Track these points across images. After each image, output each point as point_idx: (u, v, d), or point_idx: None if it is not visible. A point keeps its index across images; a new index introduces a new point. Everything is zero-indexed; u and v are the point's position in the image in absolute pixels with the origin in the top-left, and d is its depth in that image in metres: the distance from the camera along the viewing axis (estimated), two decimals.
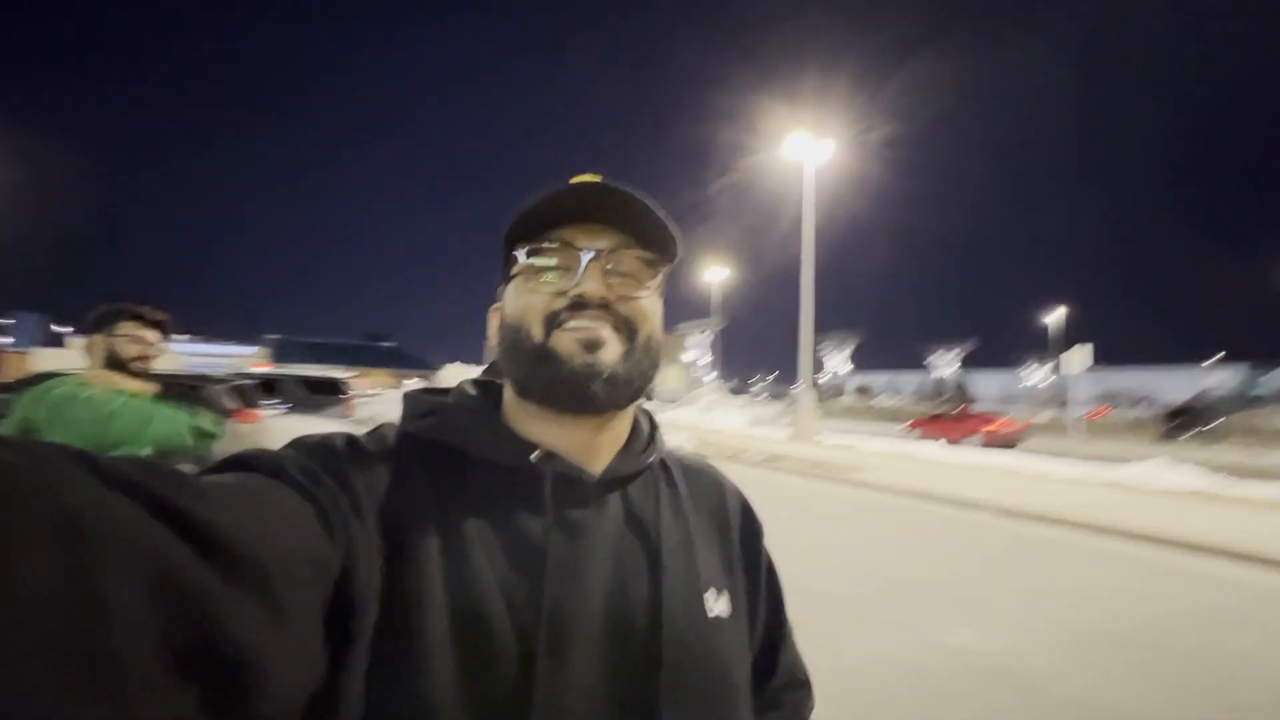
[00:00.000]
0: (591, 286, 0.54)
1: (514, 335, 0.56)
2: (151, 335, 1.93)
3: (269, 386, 11.22)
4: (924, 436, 20.79)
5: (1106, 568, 5.68)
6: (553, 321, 0.54)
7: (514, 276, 0.58)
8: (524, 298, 0.56)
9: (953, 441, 18.80)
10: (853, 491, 9.84)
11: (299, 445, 0.49)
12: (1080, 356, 12.95)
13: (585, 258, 0.54)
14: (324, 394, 12.32)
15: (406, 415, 0.58)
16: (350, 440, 0.52)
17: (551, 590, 0.49)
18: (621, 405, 0.57)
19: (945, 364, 79.40)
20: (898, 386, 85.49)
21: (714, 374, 53.60)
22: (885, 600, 4.52)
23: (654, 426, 0.64)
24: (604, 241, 0.56)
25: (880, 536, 6.80)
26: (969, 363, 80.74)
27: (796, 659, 0.72)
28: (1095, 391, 67.68)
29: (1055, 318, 60.93)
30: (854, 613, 4.24)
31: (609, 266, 0.55)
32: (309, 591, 0.37)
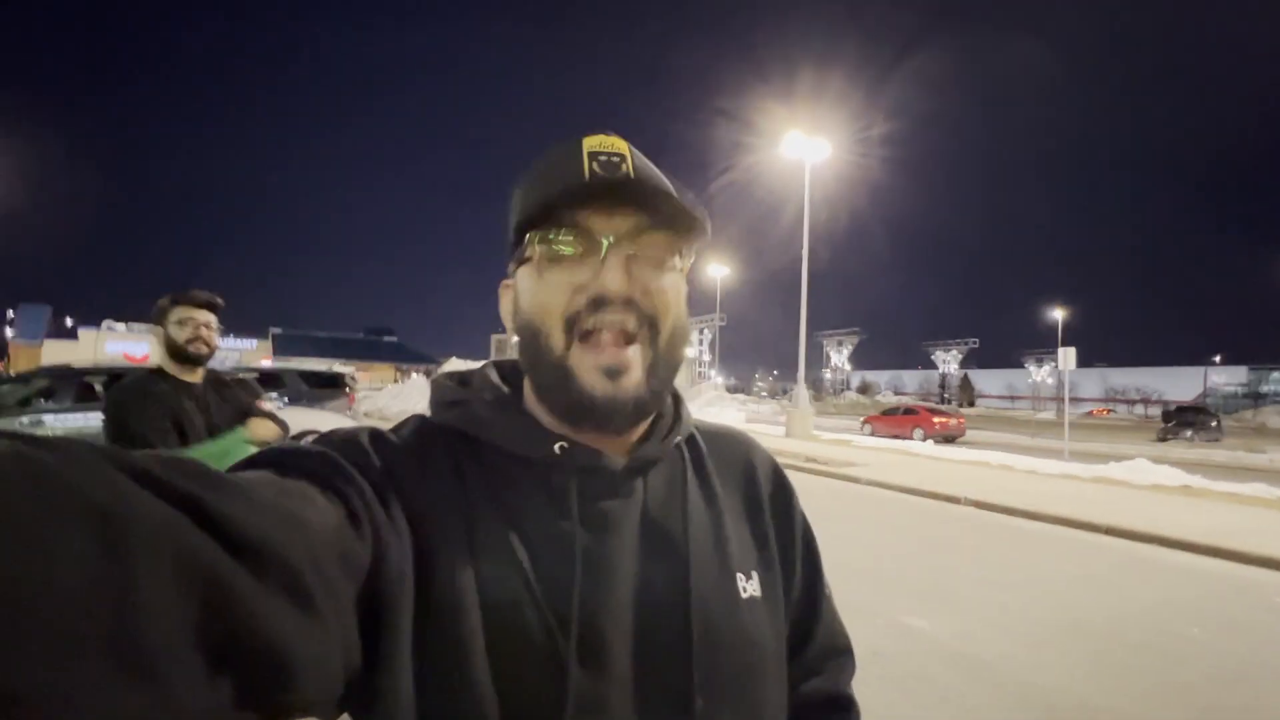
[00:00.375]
0: (614, 283, 0.50)
1: (532, 336, 0.53)
2: (202, 316, 2.01)
3: (272, 380, 11.47)
4: (875, 432, 22.58)
5: (1077, 559, 5.87)
6: (573, 323, 0.51)
7: (527, 258, 0.54)
8: (540, 294, 0.53)
9: (900, 436, 20.60)
10: (839, 485, 10.06)
11: (326, 441, 0.49)
12: (1066, 358, 13.16)
13: (605, 246, 0.51)
14: (326, 388, 12.57)
15: (433, 405, 0.58)
16: (376, 435, 0.52)
17: (581, 586, 0.49)
18: (646, 418, 0.56)
19: (948, 362, 79.39)
20: (901, 384, 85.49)
21: (714, 371, 53.75)
22: (853, 586, 4.71)
23: (678, 402, 0.62)
24: (624, 224, 0.52)
25: (859, 527, 6.99)
26: (972, 361, 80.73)
27: (835, 625, 0.70)
28: (1099, 390, 67.62)
29: (1057, 317, 60.88)
30: None
31: (631, 253, 0.52)
32: (338, 584, 0.38)
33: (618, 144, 0.54)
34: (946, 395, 73.79)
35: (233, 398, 2.14)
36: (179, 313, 1.99)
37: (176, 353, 1.99)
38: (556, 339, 0.52)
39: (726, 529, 0.58)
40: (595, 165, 0.52)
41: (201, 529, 0.30)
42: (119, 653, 0.26)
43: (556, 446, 0.53)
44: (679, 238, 0.54)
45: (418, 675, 0.44)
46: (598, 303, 0.51)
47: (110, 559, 0.26)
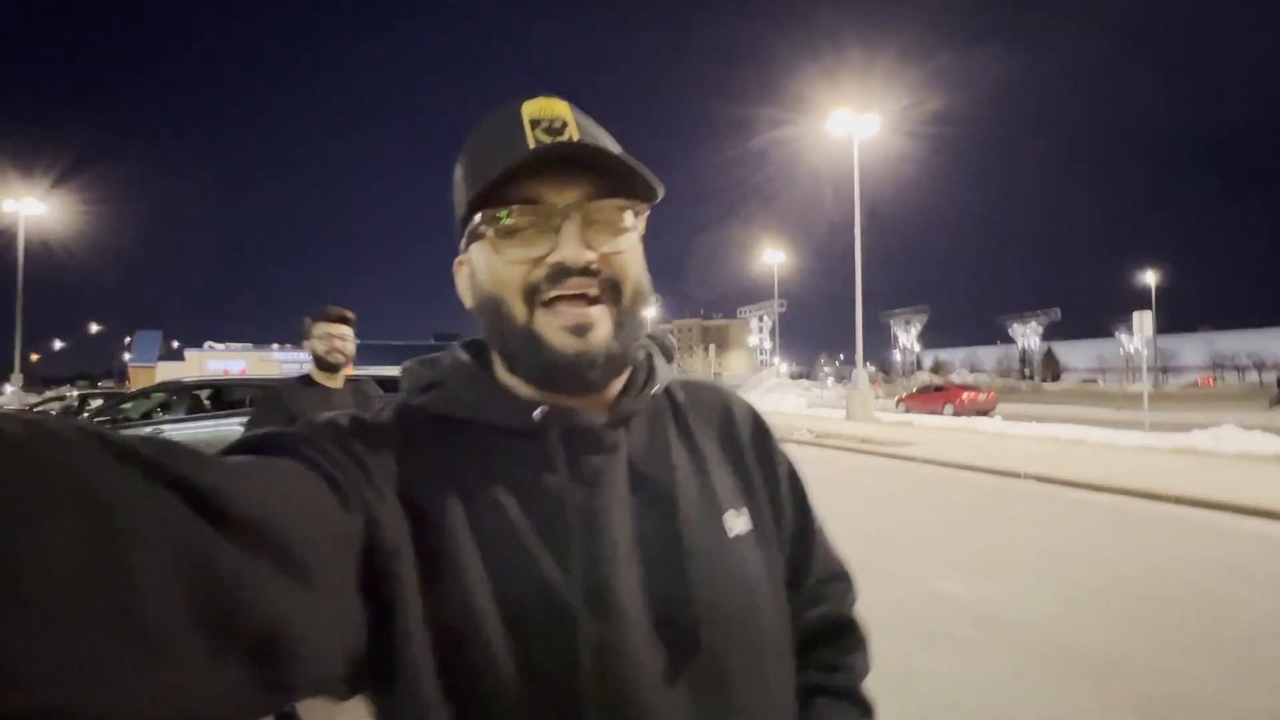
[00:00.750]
0: (572, 252, 0.50)
1: (494, 309, 0.53)
2: (336, 329, 2.36)
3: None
4: (909, 409, 24.01)
5: (1136, 529, 5.72)
6: (533, 294, 0.52)
7: (479, 235, 0.53)
8: (497, 269, 0.52)
9: (931, 412, 21.90)
10: (895, 464, 9.95)
11: (307, 425, 0.50)
12: (1140, 324, 12.29)
13: (559, 216, 0.51)
14: (398, 390, 13.54)
15: (406, 390, 0.58)
16: (357, 418, 0.52)
17: (578, 537, 0.50)
18: (620, 374, 0.56)
19: (1028, 335, 75.01)
20: (978, 361, 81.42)
21: (776, 358, 53.06)
22: (891, 556, 4.85)
23: (652, 356, 0.62)
24: (576, 192, 0.51)
25: (909, 504, 7.01)
26: (1055, 333, 75.94)
27: (830, 554, 0.71)
28: (1204, 357, 61.87)
29: (1146, 280, 56.21)
30: (857, 567, 4.54)
31: (586, 220, 0.52)
32: (333, 559, 0.38)
33: (558, 107, 0.53)
34: (1028, 371, 69.71)
35: (368, 400, 2.58)
36: (318, 329, 2.41)
37: (319, 362, 2.43)
38: (518, 309, 0.52)
39: (710, 472, 0.60)
40: (539, 133, 0.51)
41: (190, 506, 0.30)
42: (117, 628, 0.26)
43: (536, 413, 0.53)
44: (631, 199, 0.54)
45: (432, 642, 0.45)
46: (557, 274, 0.51)
47: (98, 535, 0.26)
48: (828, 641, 0.69)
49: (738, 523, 0.58)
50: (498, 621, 0.46)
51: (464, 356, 0.59)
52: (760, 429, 0.67)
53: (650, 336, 0.64)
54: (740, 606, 0.55)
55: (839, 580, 0.72)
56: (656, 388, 0.61)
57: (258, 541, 0.33)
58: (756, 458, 0.65)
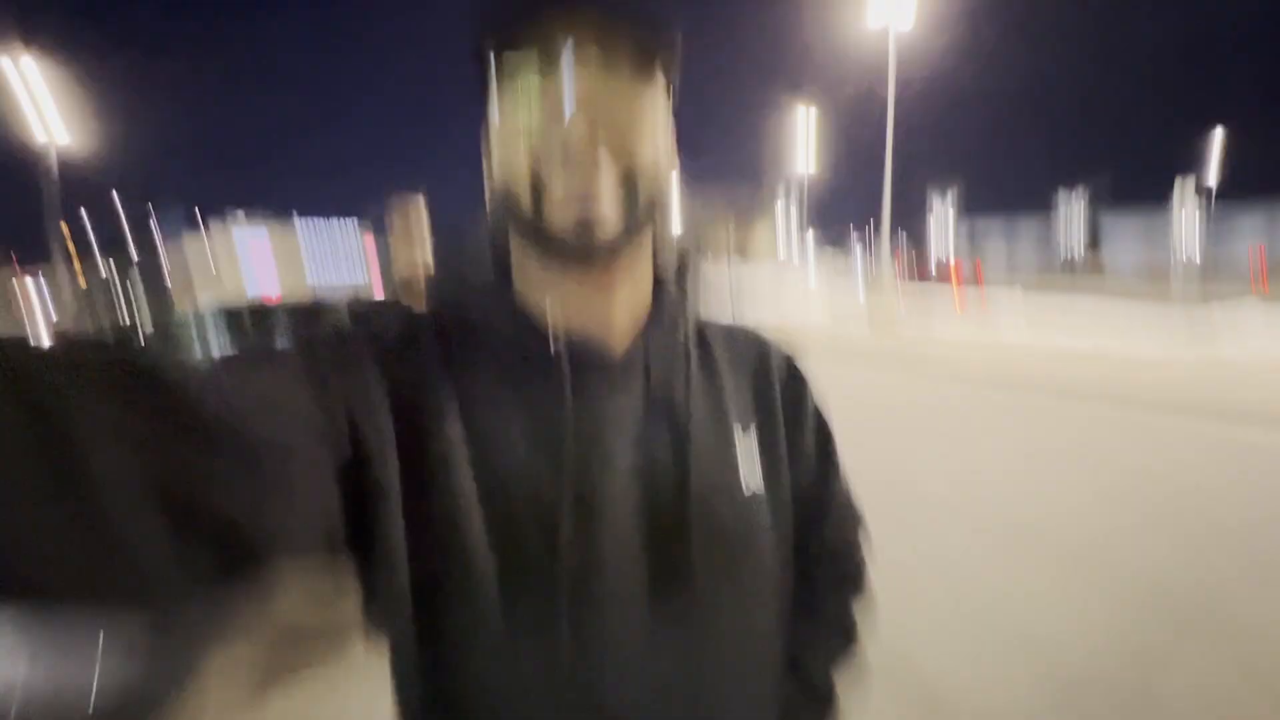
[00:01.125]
0: (577, 132, 0.47)
1: (503, 196, 0.51)
2: None
3: None
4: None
5: (1179, 446, 5.10)
6: (538, 181, 0.49)
7: (496, 87, 0.50)
8: (504, 148, 0.50)
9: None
10: (909, 380, 9.71)
11: (317, 334, 0.50)
12: (1183, 194, 10.59)
13: (567, 82, 0.47)
14: None
15: (427, 295, 0.58)
16: (366, 323, 0.53)
17: (574, 463, 0.49)
18: (630, 245, 0.52)
19: (1072, 204, 70.03)
20: (1016, 233, 77.01)
21: (806, 231, 50.82)
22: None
23: (684, 291, 0.60)
24: (588, 42, 0.47)
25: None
26: (1103, 199, 70.45)
27: (852, 511, 0.71)
28: (1263, 228, 56.29)
29: (1212, 139, 48.36)
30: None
31: (594, 69, 0.47)
32: (307, 463, 0.39)
33: None
34: (1069, 253, 65.64)
35: None
36: None
37: None
38: (524, 200, 0.50)
39: (729, 411, 0.58)
40: None
41: (148, 402, 0.31)
42: (81, 526, 0.26)
43: (550, 336, 0.52)
44: (652, 53, 0.50)
45: (411, 543, 0.46)
46: (563, 159, 0.48)
47: (52, 427, 0.26)
48: (827, 565, 0.69)
49: (752, 460, 0.58)
50: (480, 522, 0.47)
51: (488, 260, 0.58)
52: (794, 377, 0.66)
53: (679, 251, 0.61)
54: (739, 536, 0.55)
55: (856, 529, 0.72)
56: (685, 326, 0.59)
57: (223, 444, 0.33)
58: (784, 403, 0.63)
